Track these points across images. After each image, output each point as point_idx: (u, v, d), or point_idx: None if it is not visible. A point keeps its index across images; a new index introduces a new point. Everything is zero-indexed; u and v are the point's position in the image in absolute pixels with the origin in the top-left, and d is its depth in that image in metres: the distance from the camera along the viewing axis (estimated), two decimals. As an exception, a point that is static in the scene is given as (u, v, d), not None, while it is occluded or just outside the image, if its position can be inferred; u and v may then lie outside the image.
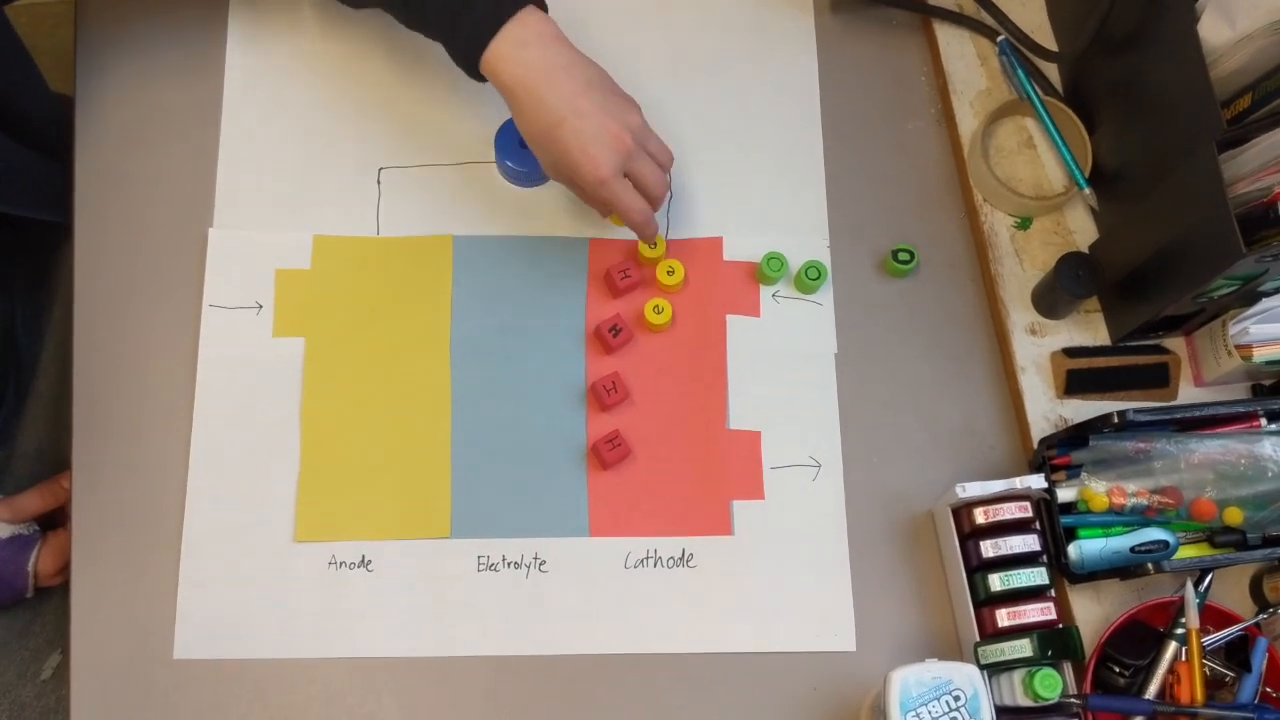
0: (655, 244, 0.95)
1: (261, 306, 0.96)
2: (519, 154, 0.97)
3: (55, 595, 1.00)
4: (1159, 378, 0.96)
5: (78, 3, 1.01)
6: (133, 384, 0.94)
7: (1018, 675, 0.86)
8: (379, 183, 0.99)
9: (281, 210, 0.98)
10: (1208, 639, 0.88)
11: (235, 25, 1.02)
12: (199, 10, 1.02)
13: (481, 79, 0.88)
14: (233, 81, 1.00)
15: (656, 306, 0.95)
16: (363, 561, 0.91)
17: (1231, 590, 0.92)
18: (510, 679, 0.90)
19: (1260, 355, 0.89)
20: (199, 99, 1.00)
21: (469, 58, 0.86)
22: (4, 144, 0.89)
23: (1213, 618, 0.89)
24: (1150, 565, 0.87)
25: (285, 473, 0.93)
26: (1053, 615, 0.87)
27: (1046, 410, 0.95)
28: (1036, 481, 0.88)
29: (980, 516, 0.88)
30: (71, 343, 0.96)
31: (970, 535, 0.89)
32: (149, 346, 0.95)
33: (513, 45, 0.85)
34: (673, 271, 0.96)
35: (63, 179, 0.98)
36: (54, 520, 0.98)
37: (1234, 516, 0.87)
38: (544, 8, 0.88)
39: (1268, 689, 0.88)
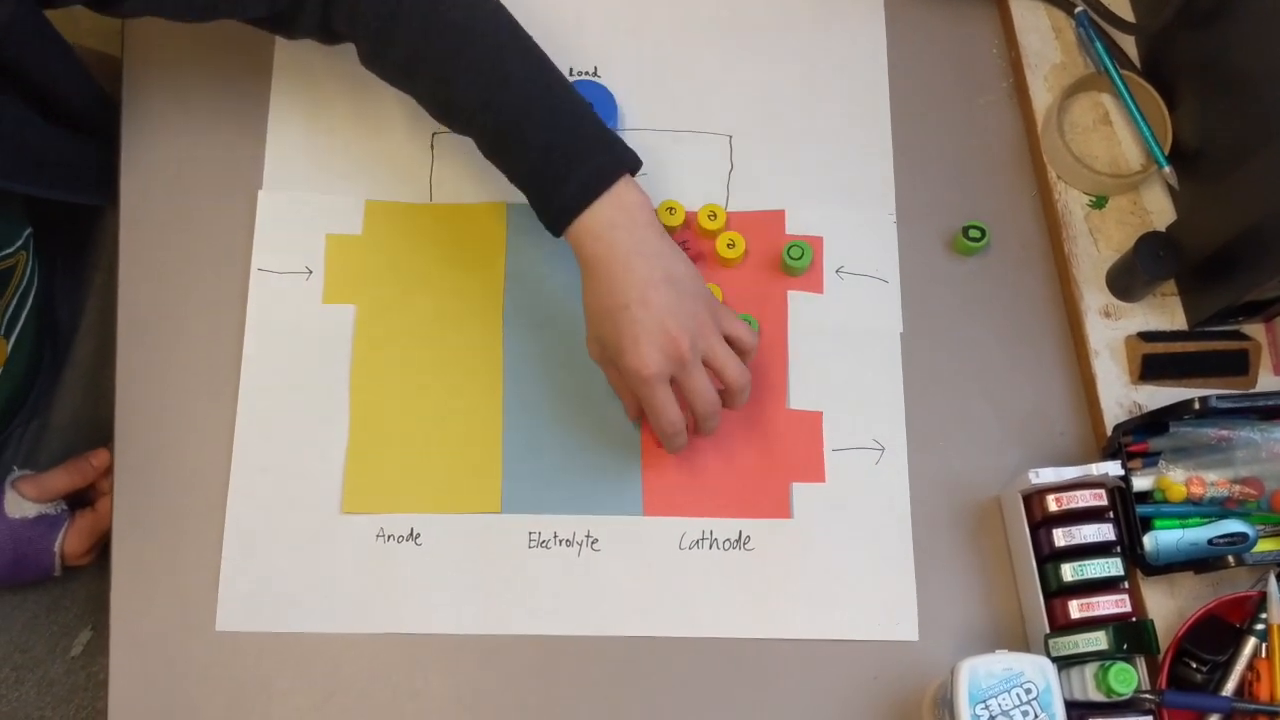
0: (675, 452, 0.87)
1: (311, 272, 0.93)
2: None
3: (87, 570, 0.98)
4: (1238, 365, 0.92)
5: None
6: (178, 350, 0.92)
7: (1090, 669, 0.82)
8: (432, 148, 0.97)
9: (333, 174, 0.96)
10: (1289, 636, 0.84)
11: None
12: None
13: (559, 235, 0.84)
14: (285, 44, 0.98)
15: (711, 213, 0.93)
16: (411, 535, 0.89)
17: (1311, 586, 0.89)
18: (559, 660, 0.87)
19: (1349, 342, 0.86)
20: (250, 59, 0.97)
21: (554, 224, 0.83)
22: (43, 128, 0.87)
23: (1293, 614, 0.86)
24: (1230, 558, 0.83)
25: (333, 443, 0.90)
26: (1127, 608, 0.84)
27: (1120, 396, 0.91)
28: (1113, 468, 0.85)
29: (1053, 504, 0.85)
30: (112, 310, 0.93)
31: (1041, 523, 0.86)
32: (195, 311, 0.92)
33: (601, 224, 0.81)
34: (733, 244, 0.93)
35: (103, 161, 0.96)
36: (83, 499, 0.96)
37: (1319, 509, 0.84)
38: (636, 168, 0.84)
39: (1350, 690, 0.84)
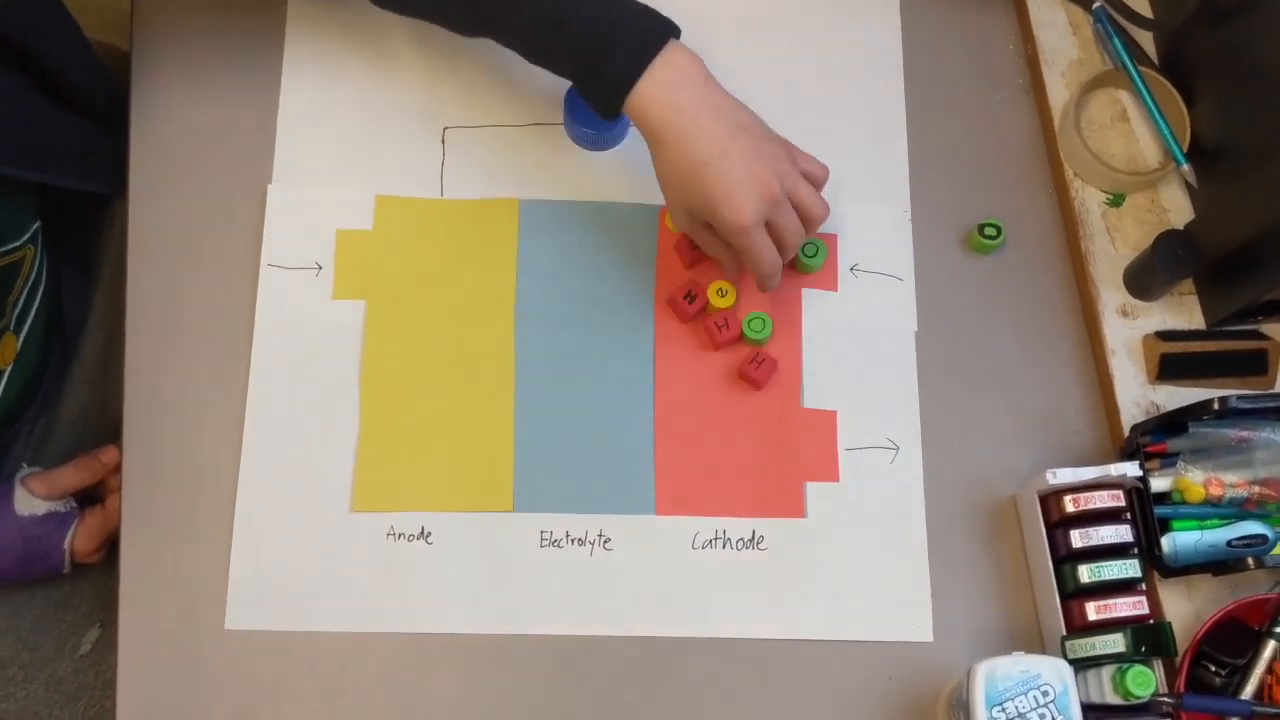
0: (766, 291, 0.88)
1: (321, 267, 0.92)
2: (588, 116, 0.93)
3: (95, 568, 0.97)
4: (1257, 364, 0.91)
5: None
6: (186, 345, 0.91)
7: (1106, 671, 0.82)
8: (443, 143, 0.96)
9: (343, 168, 0.95)
10: (1309, 639, 0.83)
11: (299, -23, 0.98)
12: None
13: (615, 118, 0.83)
14: (295, 35, 0.97)
15: (720, 290, 0.91)
16: (422, 533, 0.88)
17: (1331, 589, 0.88)
18: (571, 659, 0.87)
19: (1370, 342, 0.85)
20: (260, 52, 0.96)
21: (611, 100, 0.82)
22: (53, 114, 0.86)
23: (1312, 617, 0.85)
24: (1249, 560, 0.83)
25: (343, 440, 0.89)
26: (1144, 610, 0.83)
27: (1138, 395, 0.91)
28: (1131, 469, 0.84)
29: (1070, 505, 0.84)
30: (120, 304, 0.93)
31: (1058, 524, 0.85)
32: (204, 306, 0.92)
33: (661, 87, 0.81)
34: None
35: (112, 148, 0.95)
36: (92, 496, 0.95)
37: (1339, 511, 0.83)
38: (679, 33, 0.83)
39: (1369, 693, 0.83)
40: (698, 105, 0.81)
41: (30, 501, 0.90)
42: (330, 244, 0.93)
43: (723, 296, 0.91)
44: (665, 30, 0.82)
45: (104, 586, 0.98)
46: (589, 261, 0.94)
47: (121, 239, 0.94)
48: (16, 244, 0.88)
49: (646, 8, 0.83)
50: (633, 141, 0.96)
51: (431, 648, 0.86)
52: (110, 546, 0.94)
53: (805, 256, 0.92)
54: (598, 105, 0.83)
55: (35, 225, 0.91)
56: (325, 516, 0.88)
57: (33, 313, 0.94)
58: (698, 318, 0.92)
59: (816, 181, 0.87)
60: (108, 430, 1.01)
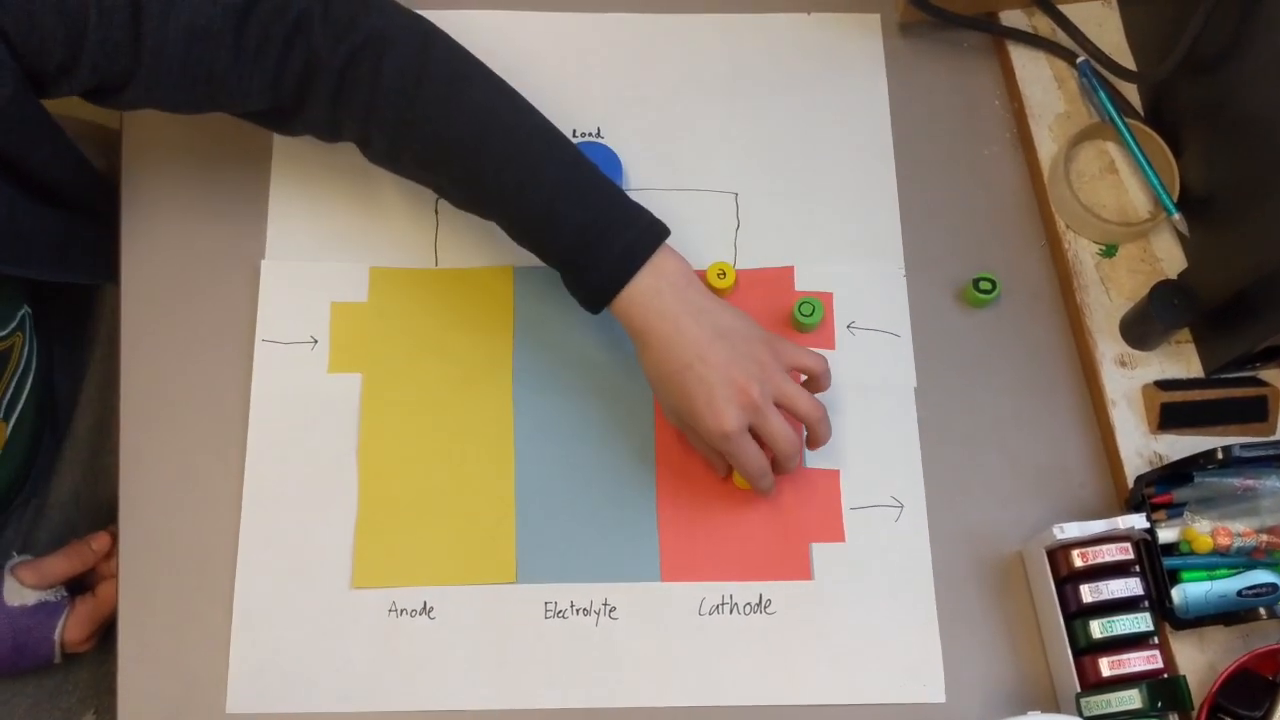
0: (767, 493, 0.88)
1: (317, 341, 0.92)
2: (581, 182, 0.94)
3: (89, 654, 0.95)
4: (1258, 411, 0.91)
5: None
6: (182, 422, 0.90)
7: (1123, 728, 0.81)
8: (437, 213, 0.96)
9: (337, 241, 0.94)
10: (1324, 689, 0.83)
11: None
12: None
13: (597, 312, 0.84)
14: (285, 109, 0.97)
15: (720, 271, 0.92)
16: (424, 608, 0.87)
17: (1344, 636, 0.87)
18: (580, 733, 0.85)
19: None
20: (250, 127, 0.96)
21: (596, 302, 0.83)
22: (36, 210, 0.86)
23: (1327, 666, 0.84)
24: (1261, 610, 0.82)
25: (342, 515, 0.88)
26: (1159, 664, 0.82)
27: (1140, 446, 0.90)
28: (1138, 521, 0.83)
29: (1078, 559, 0.84)
30: (112, 384, 0.92)
31: (1067, 579, 0.84)
32: (199, 383, 0.91)
33: (645, 293, 0.81)
34: (723, 274, 0.93)
35: (98, 239, 0.94)
36: (83, 583, 0.94)
37: (1348, 557, 0.83)
38: (667, 235, 0.84)
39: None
40: (680, 310, 0.81)
41: (20, 591, 0.88)
42: (325, 318, 0.92)
43: (722, 279, 0.92)
44: (654, 238, 0.82)
45: (98, 673, 0.96)
46: (586, 327, 0.93)
47: (113, 318, 0.93)
48: (5, 332, 0.87)
49: (641, 211, 0.83)
50: (626, 206, 0.96)
51: (437, 725, 0.85)
52: (102, 634, 0.93)
53: (802, 316, 0.92)
54: (582, 303, 0.84)
55: (23, 312, 0.90)
56: (325, 594, 0.87)
57: (23, 399, 0.93)
58: None
59: (814, 376, 0.86)
60: (100, 511, 1.00)
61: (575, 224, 0.81)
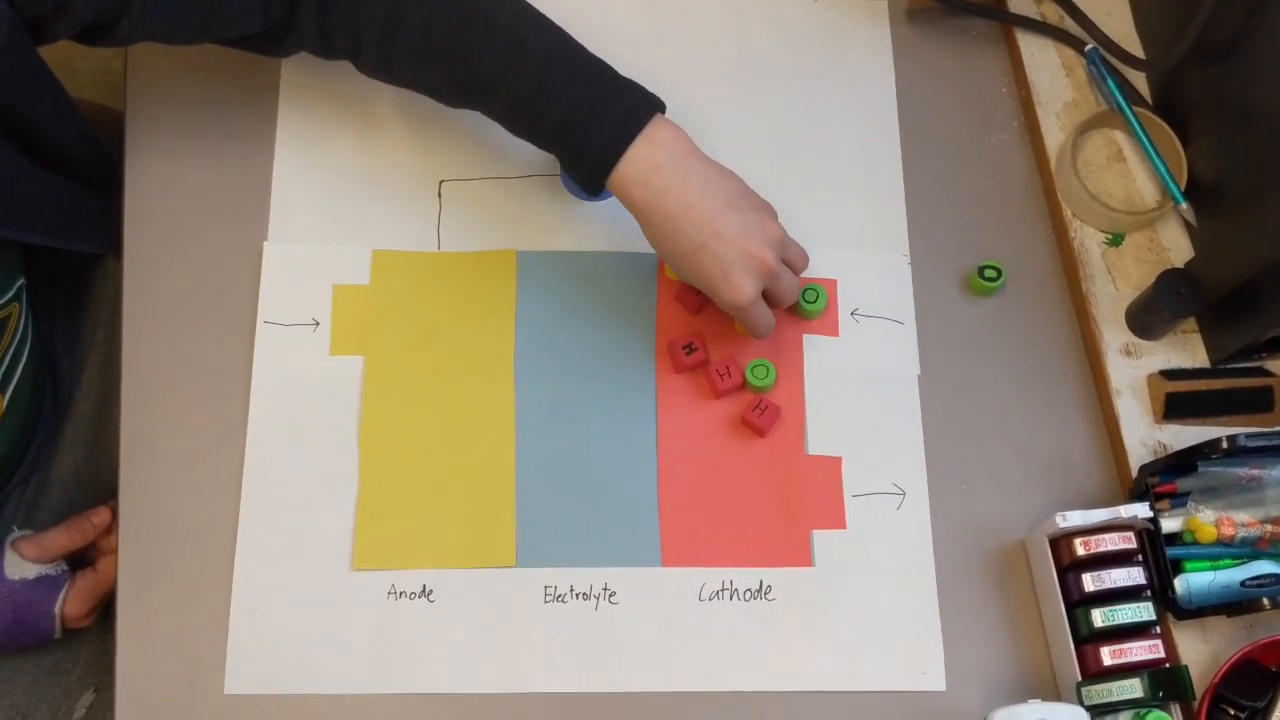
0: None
1: (318, 323, 0.92)
2: (586, 166, 0.94)
3: (89, 631, 0.95)
4: (1263, 402, 0.90)
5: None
6: (183, 404, 0.90)
7: (1124, 718, 0.81)
8: (440, 196, 0.95)
9: (339, 224, 0.94)
10: (1327, 680, 0.82)
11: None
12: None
13: (601, 195, 0.84)
14: (289, 90, 0.97)
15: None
16: (424, 591, 0.86)
17: (1348, 627, 0.87)
18: (578, 717, 0.85)
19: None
20: (254, 108, 0.96)
21: (592, 179, 0.82)
22: (38, 175, 0.86)
23: (1330, 657, 0.84)
24: (1265, 600, 0.81)
25: (342, 497, 0.88)
26: (1160, 653, 0.82)
27: (1144, 435, 0.90)
28: (1141, 510, 0.83)
29: (1080, 548, 0.83)
30: (113, 364, 0.92)
31: (1069, 567, 0.84)
32: (200, 364, 0.91)
33: (643, 168, 0.80)
34: None
35: (100, 208, 0.94)
36: (83, 559, 0.94)
37: (1353, 549, 0.82)
38: (663, 109, 0.84)
39: (1391, 734, 0.82)
40: (684, 185, 0.81)
41: (20, 565, 0.88)
42: (327, 300, 0.92)
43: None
44: (649, 107, 0.82)
45: (98, 650, 0.96)
46: (588, 311, 0.93)
47: (116, 298, 0.93)
48: (1, 300, 0.87)
49: (631, 84, 0.83)
50: (630, 191, 0.96)
51: (435, 708, 0.84)
52: (102, 610, 0.93)
53: (806, 303, 0.91)
54: (581, 183, 0.84)
55: (19, 283, 0.90)
56: (325, 576, 0.86)
57: (19, 371, 0.93)
58: (695, 370, 0.91)
59: (796, 264, 0.88)
60: (101, 491, 1.00)
61: (567, 101, 0.81)
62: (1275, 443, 0.83)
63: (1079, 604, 0.83)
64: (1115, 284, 0.94)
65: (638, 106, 0.81)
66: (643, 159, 0.81)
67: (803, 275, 0.94)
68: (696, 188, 0.81)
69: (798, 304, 0.92)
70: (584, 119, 0.80)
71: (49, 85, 0.83)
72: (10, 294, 0.89)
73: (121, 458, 0.89)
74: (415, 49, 0.83)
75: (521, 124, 0.84)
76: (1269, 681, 0.82)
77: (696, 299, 0.91)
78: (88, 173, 0.91)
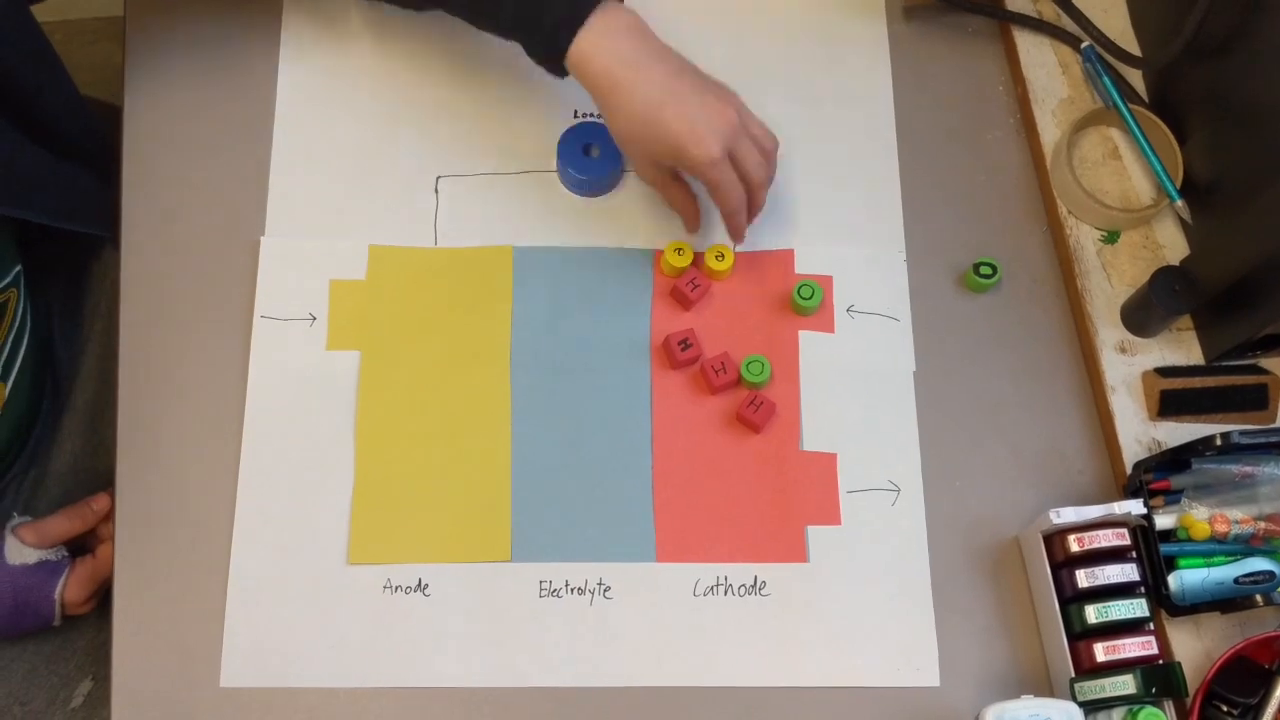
0: (740, 239, 0.91)
1: (315, 318, 0.92)
2: (582, 162, 0.94)
3: (87, 620, 0.96)
4: (1258, 399, 0.91)
5: (127, 9, 0.98)
6: (180, 397, 0.90)
7: (1117, 714, 0.81)
8: (437, 191, 0.95)
9: (336, 219, 0.94)
10: (1320, 677, 0.82)
11: (289, 29, 0.98)
12: (252, 15, 0.99)
13: (563, 74, 0.85)
14: (286, 85, 0.97)
15: (719, 254, 0.92)
16: (419, 585, 0.87)
17: (1340, 625, 0.87)
18: (572, 712, 0.85)
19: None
20: (251, 103, 0.97)
21: (553, 53, 0.83)
22: (37, 154, 0.86)
23: (1323, 654, 0.84)
24: (1259, 597, 0.82)
25: (338, 491, 0.88)
26: (1154, 650, 0.82)
27: (1139, 432, 0.90)
28: (1135, 507, 0.83)
29: (1074, 544, 0.83)
30: (111, 357, 0.92)
31: (1063, 564, 0.84)
32: (197, 358, 0.91)
33: (601, 35, 0.82)
34: (721, 256, 0.93)
35: (98, 188, 0.94)
36: (83, 545, 0.94)
37: (1346, 546, 0.82)
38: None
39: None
40: (640, 50, 0.83)
41: (21, 550, 0.89)
42: (324, 295, 0.92)
43: (720, 261, 0.92)
44: None
45: (96, 639, 0.97)
46: (584, 307, 0.93)
47: (113, 289, 0.94)
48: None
49: None
50: (627, 187, 0.96)
51: (430, 702, 0.85)
52: (101, 597, 0.93)
53: (801, 299, 0.92)
54: (542, 63, 0.85)
55: (17, 269, 0.91)
56: (321, 569, 0.87)
57: (19, 359, 0.93)
58: (690, 365, 0.92)
59: (762, 141, 0.88)
60: (99, 483, 1.00)
61: None
62: (1269, 440, 0.83)
63: (1073, 600, 0.83)
64: (1110, 281, 0.94)
65: None
66: (601, 29, 0.82)
67: (799, 272, 0.94)
68: (654, 54, 0.83)
69: (792, 300, 0.92)
70: (539, 2, 0.82)
71: (45, 55, 0.83)
72: (8, 279, 0.89)
73: (118, 450, 0.89)
74: None
75: (483, 13, 0.85)
76: (1262, 678, 0.82)
77: (690, 294, 0.92)
78: (85, 152, 0.91)
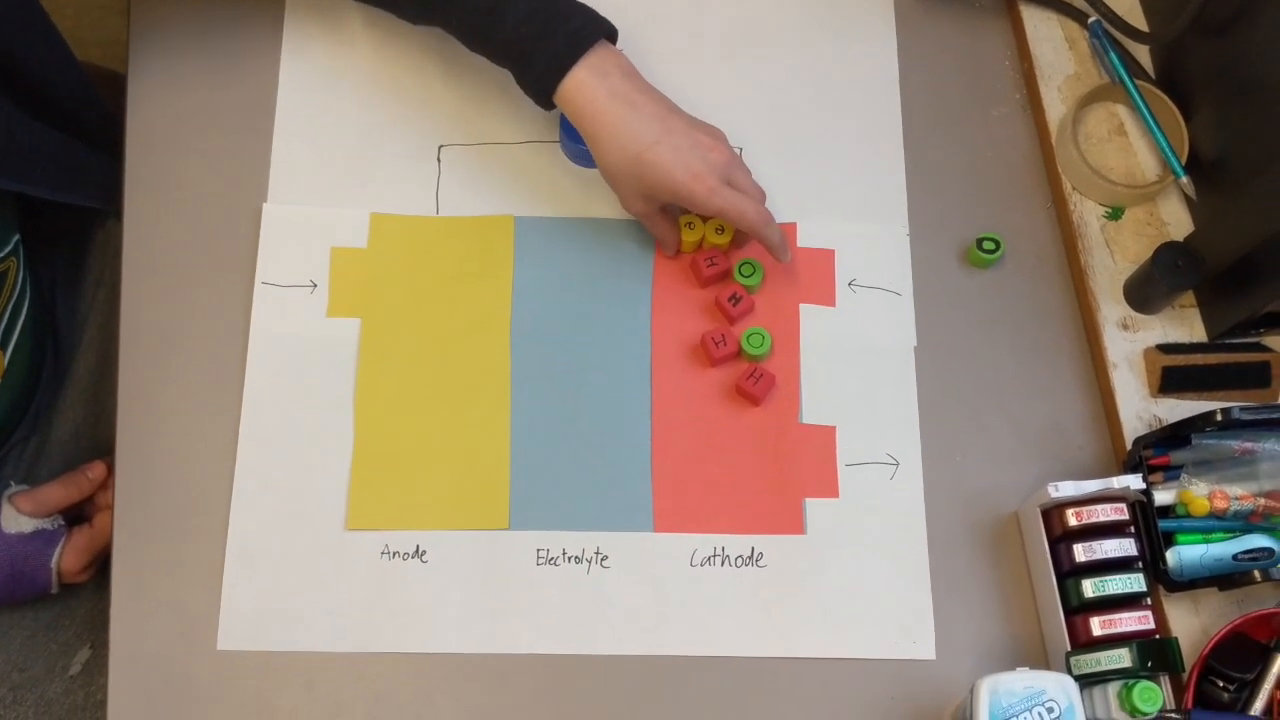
0: (786, 255, 0.89)
1: (316, 285, 0.92)
2: (584, 133, 0.94)
3: (85, 588, 0.96)
4: (1260, 377, 0.90)
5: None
6: (180, 363, 0.90)
7: (1112, 688, 0.80)
8: (439, 160, 0.95)
9: (338, 187, 0.94)
10: (1318, 654, 0.82)
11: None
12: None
13: (550, 107, 0.86)
14: (290, 54, 0.97)
15: (719, 227, 0.92)
16: (417, 552, 0.87)
17: (1339, 603, 0.87)
18: (568, 679, 0.85)
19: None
20: (255, 72, 0.97)
21: (543, 88, 0.84)
22: (37, 128, 0.86)
23: (1321, 631, 0.83)
24: (1257, 573, 0.81)
25: (337, 458, 0.88)
26: (1150, 625, 0.82)
27: (1140, 409, 0.90)
28: (1134, 482, 0.83)
29: (1072, 518, 0.83)
30: (113, 325, 0.92)
31: (1061, 538, 0.84)
32: (198, 324, 0.91)
33: (592, 73, 0.83)
34: (721, 230, 0.92)
35: (100, 162, 0.94)
36: (80, 514, 0.94)
37: (1346, 523, 0.82)
38: (614, 35, 0.87)
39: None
40: (630, 89, 0.84)
41: (17, 519, 0.89)
42: (325, 262, 0.92)
43: (720, 234, 0.92)
44: (600, 29, 0.84)
45: (94, 607, 0.97)
46: (585, 278, 0.93)
47: (115, 259, 0.94)
48: None
49: (584, 6, 0.85)
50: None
51: (427, 668, 0.85)
52: (99, 566, 0.93)
53: (742, 276, 0.91)
54: (531, 94, 0.86)
55: (15, 238, 0.91)
56: (319, 535, 0.87)
57: (18, 328, 0.93)
58: (719, 281, 0.93)
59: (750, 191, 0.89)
60: (100, 451, 1.00)
61: (521, 13, 0.83)
62: (1269, 416, 0.82)
63: (1070, 574, 0.83)
64: (1114, 258, 0.93)
65: (590, 25, 0.84)
66: (593, 68, 0.83)
67: (801, 246, 0.94)
68: (643, 93, 0.84)
69: (734, 273, 0.92)
70: (537, 34, 0.83)
71: (45, 30, 0.83)
72: (7, 249, 0.89)
73: (119, 415, 0.89)
74: None
75: (476, 37, 0.86)
76: (1259, 655, 0.82)
77: (706, 272, 0.91)
78: (87, 126, 0.91)
